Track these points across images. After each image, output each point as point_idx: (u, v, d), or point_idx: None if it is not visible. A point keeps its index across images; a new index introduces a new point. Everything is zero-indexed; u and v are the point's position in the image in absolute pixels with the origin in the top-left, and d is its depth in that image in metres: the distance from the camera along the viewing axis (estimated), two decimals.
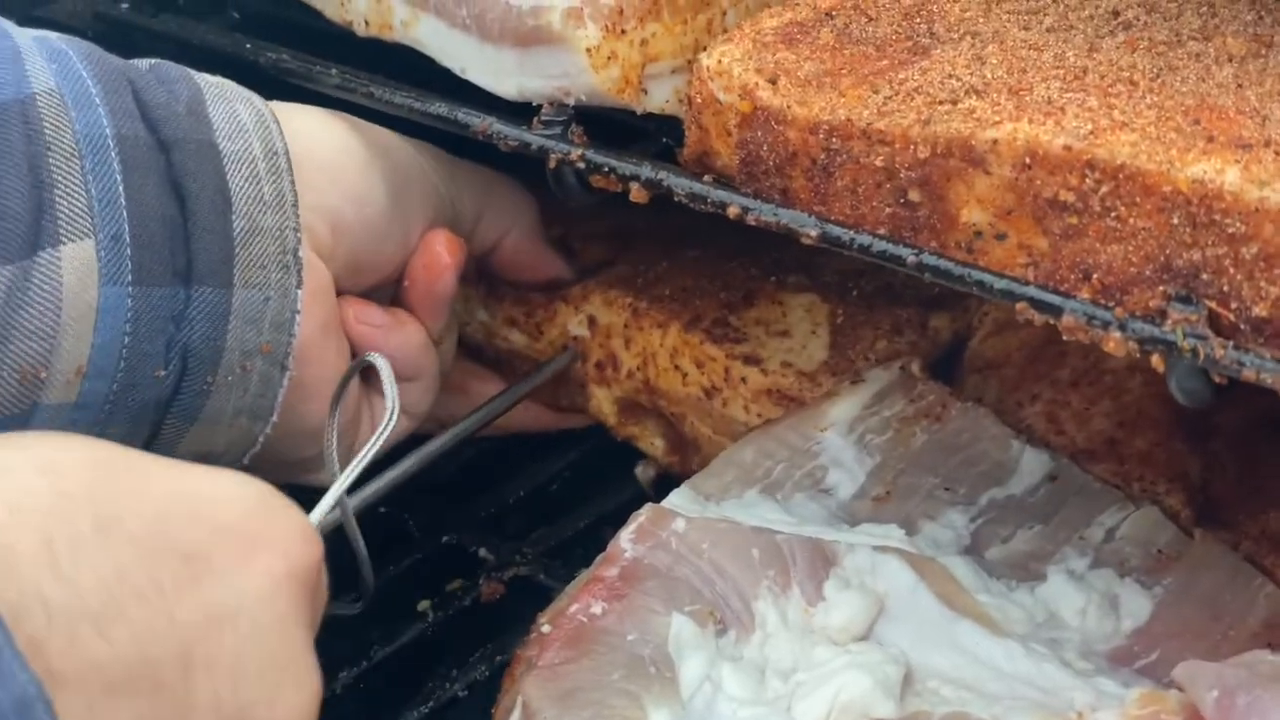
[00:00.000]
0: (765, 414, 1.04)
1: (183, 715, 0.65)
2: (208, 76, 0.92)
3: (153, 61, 0.92)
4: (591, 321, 1.11)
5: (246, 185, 0.88)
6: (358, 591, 0.89)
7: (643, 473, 1.12)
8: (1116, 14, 0.83)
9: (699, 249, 1.13)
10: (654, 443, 1.11)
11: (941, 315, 1.08)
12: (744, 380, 1.05)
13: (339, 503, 0.82)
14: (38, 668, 0.59)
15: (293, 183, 0.90)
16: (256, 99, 0.92)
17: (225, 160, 0.88)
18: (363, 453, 0.82)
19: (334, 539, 0.81)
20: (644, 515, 0.90)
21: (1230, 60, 0.78)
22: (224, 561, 0.68)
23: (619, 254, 1.14)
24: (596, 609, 0.85)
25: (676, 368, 1.07)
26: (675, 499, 0.93)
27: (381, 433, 0.82)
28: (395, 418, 0.82)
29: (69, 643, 0.61)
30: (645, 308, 1.09)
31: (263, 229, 0.88)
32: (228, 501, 0.70)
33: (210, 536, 0.68)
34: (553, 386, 1.12)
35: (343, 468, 0.82)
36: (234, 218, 0.87)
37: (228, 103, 0.90)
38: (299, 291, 0.90)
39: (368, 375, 0.97)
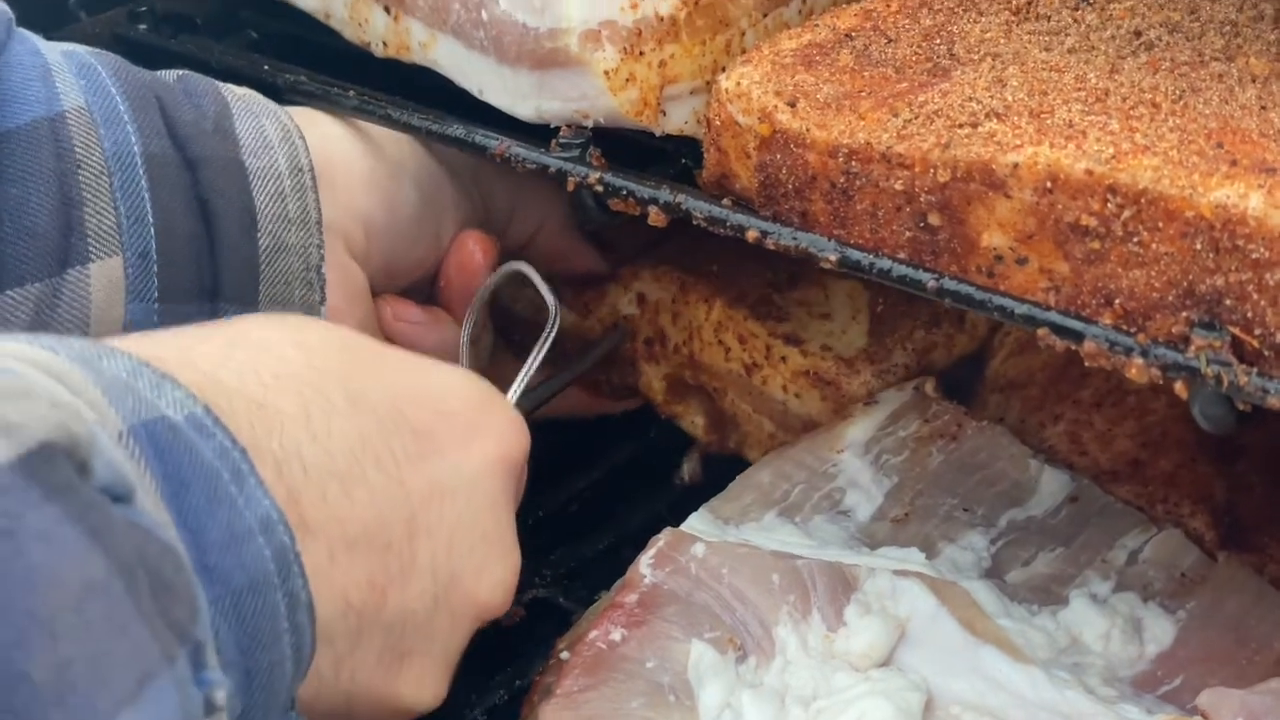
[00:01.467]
0: (803, 395, 1.05)
1: (405, 573, 0.71)
2: (234, 89, 0.93)
3: (180, 73, 0.92)
4: (641, 299, 1.11)
5: (271, 203, 0.89)
6: None
7: (689, 468, 1.12)
8: (1138, 34, 0.83)
9: None
10: (695, 421, 1.11)
11: None
12: (784, 359, 1.05)
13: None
14: (292, 516, 0.64)
15: (316, 200, 0.90)
16: (282, 113, 0.93)
17: (251, 177, 0.88)
18: (534, 353, 0.91)
19: None
20: (663, 540, 0.89)
21: (1254, 81, 0.78)
22: (448, 442, 0.75)
23: (667, 231, 1.14)
24: (615, 635, 0.84)
25: (720, 342, 1.07)
26: (694, 522, 0.93)
27: (548, 334, 0.92)
28: (558, 315, 0.93)
29: (320, 497, 0.67)
30: (692, 283, 1.09)
31: (287, 246, 0.89)
32: (455, 391, 0.78)
33: (438, 419, 0.75)
34: (603, 366, 1.11)
35: None
36: (259, 235, 0.88)
37: (254, 118, 0.91)
38: (322, 308, 0.91)
39: None
